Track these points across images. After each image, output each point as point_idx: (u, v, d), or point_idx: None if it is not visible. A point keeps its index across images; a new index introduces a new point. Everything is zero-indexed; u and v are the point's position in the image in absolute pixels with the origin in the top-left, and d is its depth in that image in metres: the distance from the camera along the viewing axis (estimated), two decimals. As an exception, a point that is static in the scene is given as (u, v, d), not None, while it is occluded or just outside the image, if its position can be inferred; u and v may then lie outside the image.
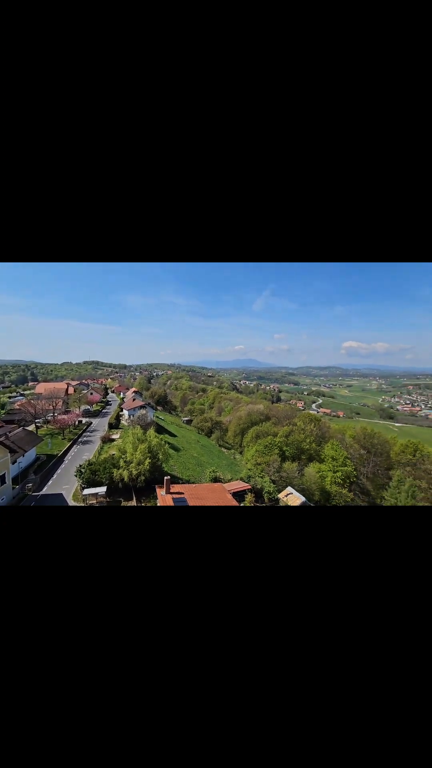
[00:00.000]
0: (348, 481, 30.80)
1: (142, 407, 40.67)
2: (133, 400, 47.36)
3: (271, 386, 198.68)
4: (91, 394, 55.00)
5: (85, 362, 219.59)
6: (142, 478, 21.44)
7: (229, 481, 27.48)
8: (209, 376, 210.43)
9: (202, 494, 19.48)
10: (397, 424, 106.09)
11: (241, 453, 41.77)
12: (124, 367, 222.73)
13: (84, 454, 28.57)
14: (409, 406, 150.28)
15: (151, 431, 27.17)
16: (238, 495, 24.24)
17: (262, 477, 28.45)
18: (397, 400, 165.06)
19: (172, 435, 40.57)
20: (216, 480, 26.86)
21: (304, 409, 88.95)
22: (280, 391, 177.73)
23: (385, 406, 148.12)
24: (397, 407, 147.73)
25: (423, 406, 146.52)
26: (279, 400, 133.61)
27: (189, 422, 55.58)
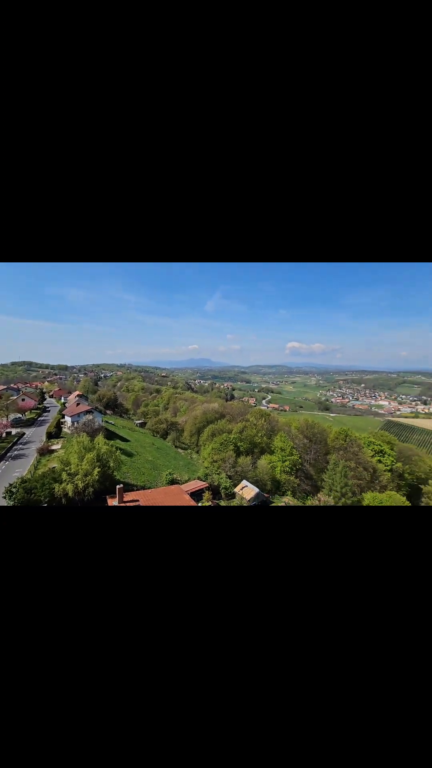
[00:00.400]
0: (294, 468, 34.08)
1: (87, 412, 36.95)
2: (77, 404, 42.63)
3: (225, 385, 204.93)
4: (23, 400, 47.43)
5: (13, 363, 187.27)
6: (91, 489, 19.57)
7: (187, 481, 27.35)
8: (163, 377, 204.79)
9: (158, 499, 18.90)
10: (332, 415, 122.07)
11: (197, 452, 41.96)
12: (65, 368, 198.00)
13: (14, 471, 24.48)
14: (341, 398, 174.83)
15: (100, 438, 25.01)
16: (196, 494, 24.33)
17: (218, 474, 29.17)
18: (331, 393, 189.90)
19: (125, 440, 38.10)
20: (173, 482, 26.38)
21: (255, 406, 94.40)
22: (233, 389, 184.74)
23: (323, 399, 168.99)
24: (332, 400, 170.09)
25: (350, 398, 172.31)
26: (233, 398, 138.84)
27: (143, 425, 53.08)
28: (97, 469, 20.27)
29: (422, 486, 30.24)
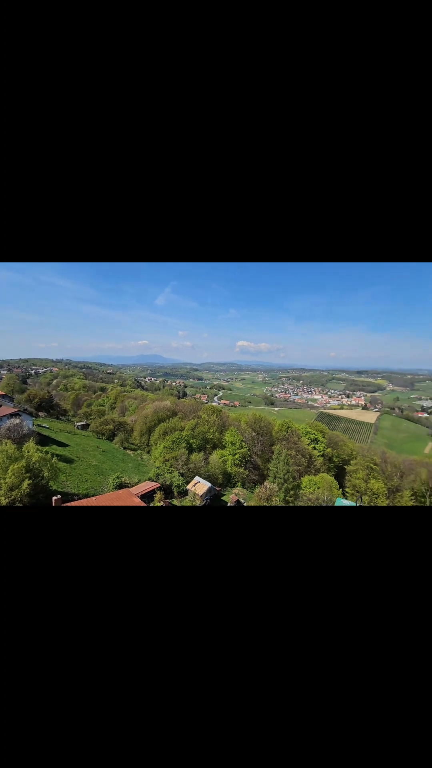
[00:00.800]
0: (244, 460, 36.10)
1: (13, 415, 31.39)
2: (-2, 406, 35.68)
3: (177, 382, 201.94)
4: None
5: None
6: (20, 505, 16.79)
7: (137, 483, 26.08)
8: (109, 374, 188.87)
9: (104, 505, 17.51)
10: (276, 409, 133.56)
11: (148, 452, 40.34)
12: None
13: None
14: (284, 393, 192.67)
15: (30, 444, 21.61)
16: (147, 496, 23.45)
17: (171, 472, 28.71)
18: (276, 389, 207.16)
19: (63, 445, 33.84)
20: (121, 486, 24.79)
21: (207, 402, 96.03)
22: (185, 387, 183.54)
23: (268, 395, 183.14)
24: (276, 395, 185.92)
25: (291, 393, 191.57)
26: (185, 395, 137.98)
27: (85, 427, 48.04)
28: (27, 482, 17.51)
29: (346, 466, 35.89)
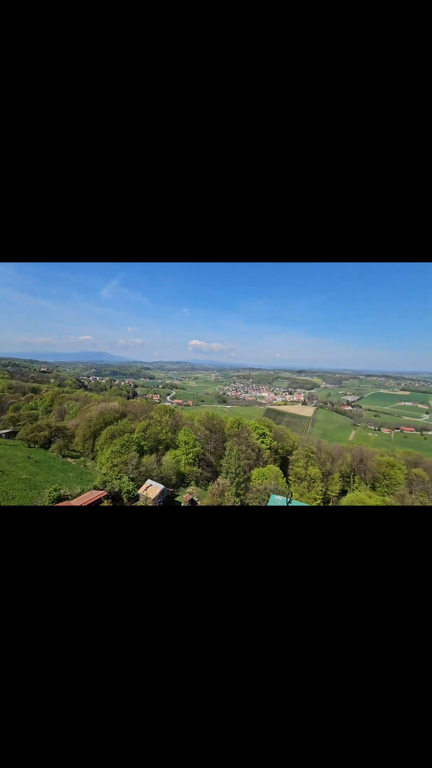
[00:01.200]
0: (198, 458, 36.39)
1: None
2: None
3: (127, 381, 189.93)
4: None
5: None
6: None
7: (80, 494, 23.59)
8: (43, 372, 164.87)
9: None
10: (228, 407, 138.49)
11: (94, 459, 36.87)
12: None
13: None
14: (235, 392, 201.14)
15: None
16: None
17: (119, 478, 26.91)
18: (227, 387, 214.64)
19: (-20, 458, 28.15)
20: (60, 499, 22.07)
21: (160, 402, 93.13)
22: (136, 386, 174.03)
23: (221, 393, 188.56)
24: (228, 393, 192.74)
25: (242, 392, 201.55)
26: (135, 395, 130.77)
27: (11, 435, 40.96)
28: None
29: (289, 456, 39.75)
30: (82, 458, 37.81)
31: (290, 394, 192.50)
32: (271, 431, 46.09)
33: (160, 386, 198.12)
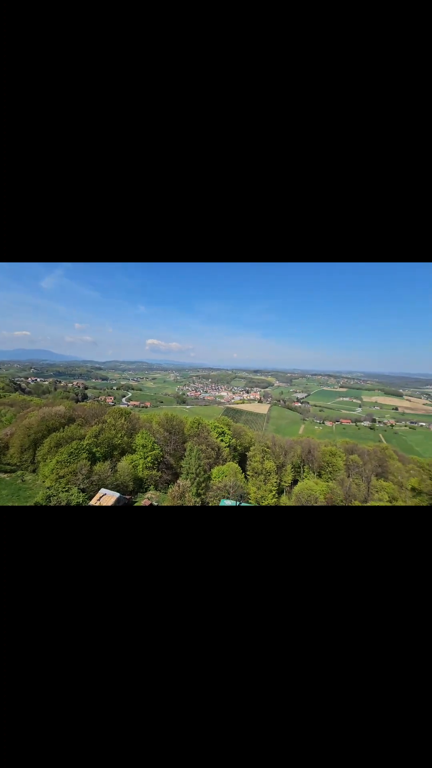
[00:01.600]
0: (157, 462, 35.23)
1: None
2: None
3: (75, 383, 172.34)
4: None
5: None
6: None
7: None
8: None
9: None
10: (188, 407, 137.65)
11: (34, 471, 32.47)
12: None
13: None
14: (195, 392, 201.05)
15: None
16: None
17: (67, 490, 24.30)
18: (187, 388, 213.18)
19: None
20: None
21: (114, 404, 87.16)
22: (86, 388, 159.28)
23: (180, 393, 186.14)
24: (188, 393, 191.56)
25: (201, 391, 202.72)
26: (86, 397, 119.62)
27: None
28: None
29: (246, 452, 41.55)
30: (19, 472, 32.86)
31: (247, 393, 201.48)
32: (230, 429, 47.48)
33: (115, 387, 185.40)
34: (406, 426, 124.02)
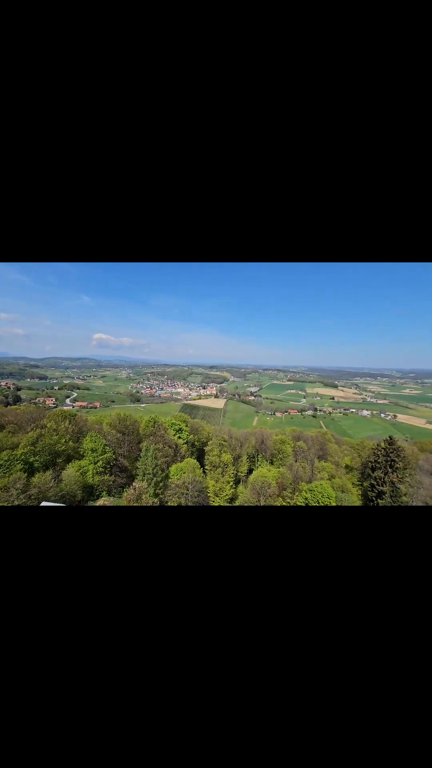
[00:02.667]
0: (109, 465, 32.87)
1: None
2: None
3: (4, 383, 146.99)
4: None
5: None
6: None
7: None
8: None
9: None
10: (143, 405, 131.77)
11: None
12: None
13: None
14: (150, 389, 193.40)
15: None
16: None
17: (-3, 510, 20.68)
18: (141, 385, 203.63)
19: None
20: None
21: (56, 407, 77.56)
22: (18, 389, 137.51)
23: (134, 391, 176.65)
24: (142, 391, 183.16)
25: (157, 389, 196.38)
26: (18, 400, 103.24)
27: None
28: None
29: (204, 447, 42.14)
30: None
31: (204, 388, 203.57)
32: (187, 426, 47.30)
33: (56, 387, 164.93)
34: (340, 413, 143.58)
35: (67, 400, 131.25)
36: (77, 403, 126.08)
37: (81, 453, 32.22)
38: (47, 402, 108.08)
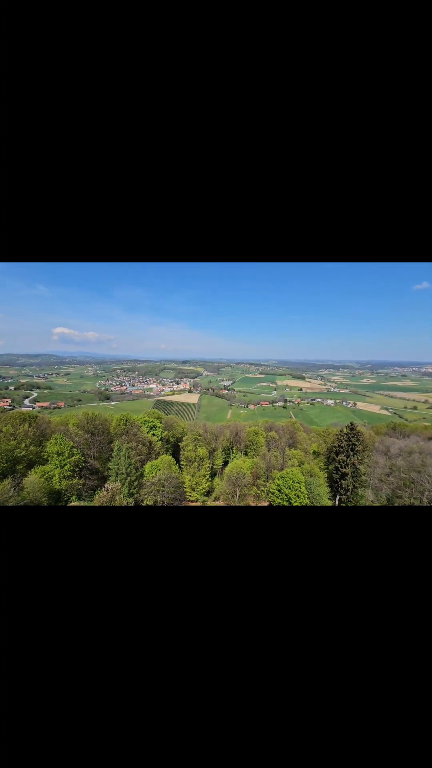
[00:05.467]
0: (78, 468, 31.03)
1: None
2: None
3: None
4: None
5: None
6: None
7: None
8: None
9: None
10: (112, 403, 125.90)
11: None
12: None
13: None
14: (120, 386, 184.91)
15: None
16: None
17: None
18: (110, 382, 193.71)
19: None
20: None
21: (12, 408, 70.38)
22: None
23: (102, 389, 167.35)
24: (112, 388, 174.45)
25: (128, 385, 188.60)
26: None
27: None
28: None
29: (179, 443, 41.92)
30: None
31: (177, 384, 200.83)
32: (161, 422, 46.47)
33: (11, 387, 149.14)
34: (308, 403, 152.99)
35: (26, 401, 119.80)
36: (38, 404, 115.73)
37: (45, 457, 29.84)
38: (2, 404, 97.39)
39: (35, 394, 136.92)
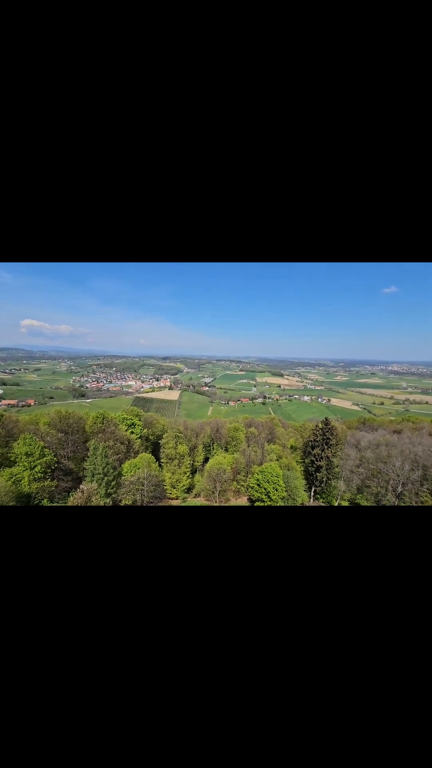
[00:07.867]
0: (50, 470, 29.37)
1: None
2: None
3: None
4: None
5: None
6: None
7: None
8: None
9: None
10: (88, 401, 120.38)
11: None
12: None
13: None
14: (96, 383, 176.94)
15: None
16: None
17: None
18: (86, 378, 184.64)
19: None
20: None
21: (-27, 407, 64.39)
22: None
23: (77, 386, 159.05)
24: (87, 385, 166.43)
25: (105, 382, 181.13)
26: None
27: None
28: None
29: (159, 441, 41.31)
30: None
31: (157, 380, 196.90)
32: (140, 420, 45.39)
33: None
34: (286, 399, 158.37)
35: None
36: (3, 402, 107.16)
37: (12, 459, 27.82)
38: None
39: (1, 391, 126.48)
